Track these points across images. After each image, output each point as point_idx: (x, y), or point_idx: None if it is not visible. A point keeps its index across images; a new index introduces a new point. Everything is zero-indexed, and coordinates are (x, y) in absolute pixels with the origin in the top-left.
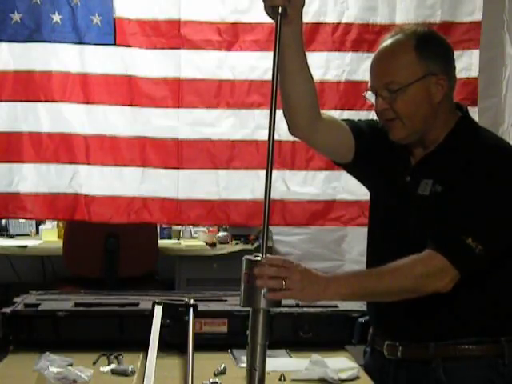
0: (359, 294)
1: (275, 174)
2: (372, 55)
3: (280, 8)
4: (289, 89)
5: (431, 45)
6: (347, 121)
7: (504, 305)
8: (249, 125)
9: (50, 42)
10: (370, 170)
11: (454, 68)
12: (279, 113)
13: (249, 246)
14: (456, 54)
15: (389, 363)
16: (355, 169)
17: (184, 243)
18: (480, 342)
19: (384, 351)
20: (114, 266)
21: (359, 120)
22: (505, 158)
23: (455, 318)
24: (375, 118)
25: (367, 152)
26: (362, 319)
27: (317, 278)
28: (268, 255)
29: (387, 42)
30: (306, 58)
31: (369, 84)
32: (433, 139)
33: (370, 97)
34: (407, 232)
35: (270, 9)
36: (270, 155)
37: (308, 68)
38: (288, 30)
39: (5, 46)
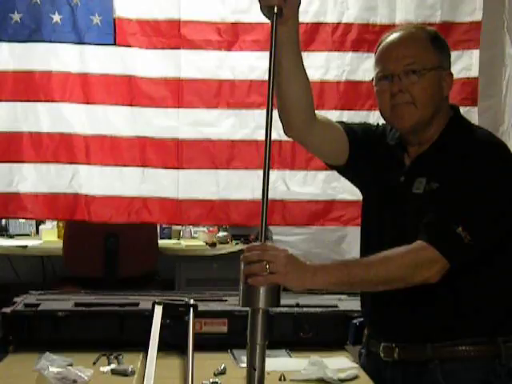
0: (347, 283)
1: (275, 174)
2: (372, 55)
3: (276, 8)
4: (284, 88)
5: (441, 41)
6: (340, 123)
7: (500, 305)
8: (249, 125)
9: (50, 41)
10: (364, 172)
11: None
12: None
13: None
14: (456, 54)
15: (385, 365)
16: (349, 170)
17: (184, 243)
18: (477, 343)
19: (380, 353)
20: (114, 265)
21: (353, 122)
22: (495, 151)
23: (452, 318)
24: (375, 118)
25: (361, 153)
26: (356, 321)
27: (303, 265)
28: (253, 243)
29: (399, 32)
30: (301, 57)
31: (376, 71)
32: (429, 137)
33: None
34: (403, 231)
35: (266, 8)
36: (267, 154)
37: (304, 68)
38: (284, 30)
39: (5, 46)
